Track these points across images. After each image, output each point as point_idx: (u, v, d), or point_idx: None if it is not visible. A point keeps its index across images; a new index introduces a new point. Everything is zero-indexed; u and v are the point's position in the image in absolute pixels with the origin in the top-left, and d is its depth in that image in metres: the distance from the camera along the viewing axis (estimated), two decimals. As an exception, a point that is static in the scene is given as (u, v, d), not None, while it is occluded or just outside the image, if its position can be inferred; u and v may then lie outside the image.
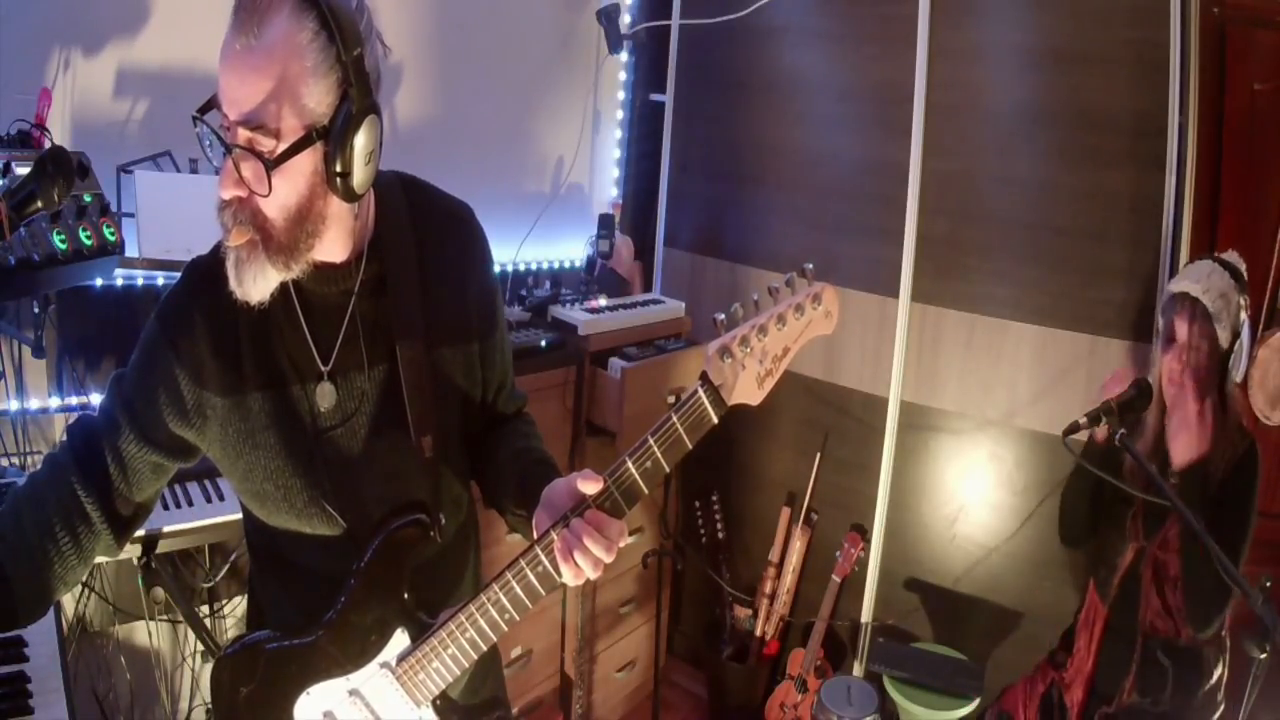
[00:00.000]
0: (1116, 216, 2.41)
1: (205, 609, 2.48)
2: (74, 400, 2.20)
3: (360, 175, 0.97)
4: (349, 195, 0.97)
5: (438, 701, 1.13)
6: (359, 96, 0.94)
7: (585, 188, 3.47)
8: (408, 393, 1.08)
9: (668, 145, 3.35)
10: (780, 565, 3.01)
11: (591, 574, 1.00)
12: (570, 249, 3.32)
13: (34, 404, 2.14)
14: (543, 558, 1.02)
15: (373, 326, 1.09)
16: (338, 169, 0.95)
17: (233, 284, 0.99)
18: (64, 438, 1.12)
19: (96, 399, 2.23)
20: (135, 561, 1.74)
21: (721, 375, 0.97)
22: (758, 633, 3.03)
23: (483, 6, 2.95)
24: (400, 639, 1.11)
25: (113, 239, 1.69)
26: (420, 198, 1.16)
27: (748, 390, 0.98)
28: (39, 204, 1.38)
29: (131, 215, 2.03)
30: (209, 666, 2.45)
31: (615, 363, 2.65)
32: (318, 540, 1.12)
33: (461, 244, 1.18)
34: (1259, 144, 2.43)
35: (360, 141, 0.95)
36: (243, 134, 0.92)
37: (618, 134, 3.45)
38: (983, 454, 2.67)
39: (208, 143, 0.95)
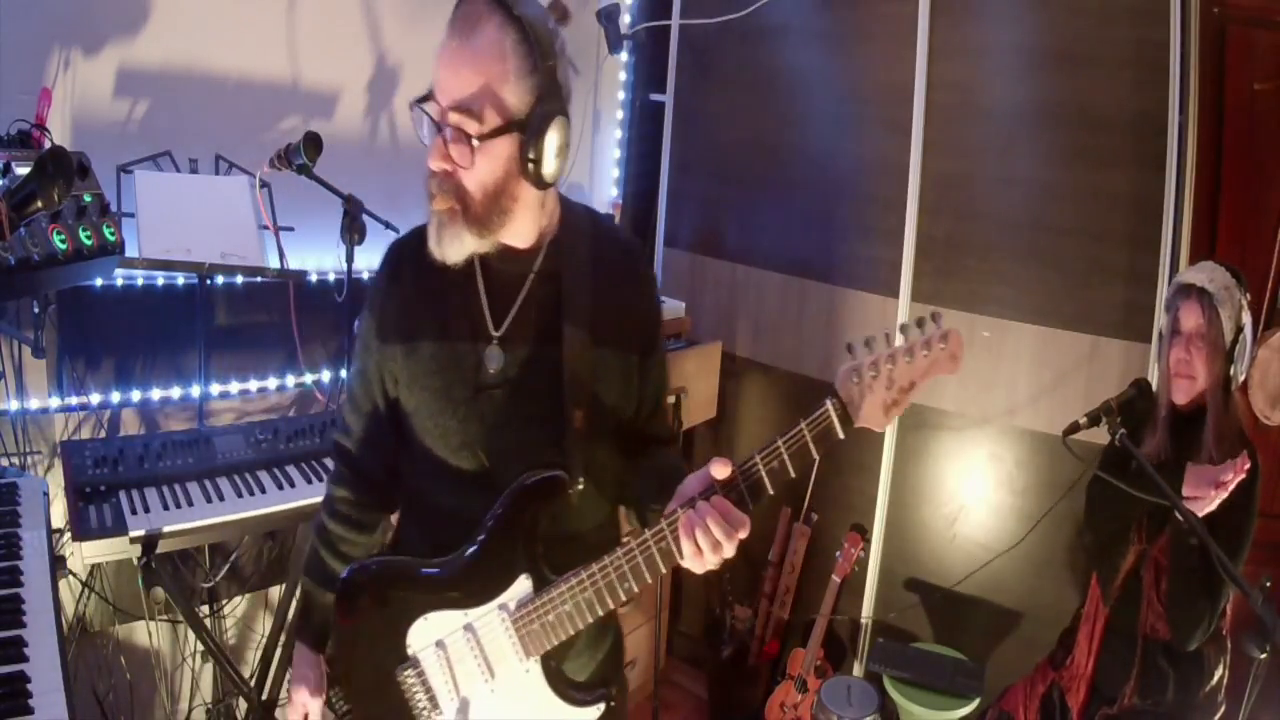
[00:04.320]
0: (1116, 216, 2.41)
1: (205, 609, 2.48)
2: (74, 400, 2.20)
3: (550, 166, 1.12)
4: (539, 182, 1.13)
5: (547, 660, 1.19)
6: (551, 102, 1.11)
7: (585, 187, 3.47)
8: (567, 368, 1.19)
9: (668, 145, 3.35)
10: (780, 565, 3.01)
11: (710, 556, 1.06)
12: (570, 249, 3.33)
13: (34, 404, 2.14)
14: (667, 533, 1.09)
15: (544, 308, 1.22)
16: (531, 156, 1.10)
17: (432, 244, 1.17)
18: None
19: (96, 399, 2.23)
20: (135, 561, 1.74)
21: (850, 394, 1.05)
22: (758, 633, 3.03)
23: (483, 6, 2.95)
24: (523, 585, 1.17)
25: (113, 239, 1.69)
26: (603, 226, 1.33)
27: (874, 414, 1.05)
28: (39, 204, 1.38)
29: (131, 215, 2.03)
30: (209, 666, 2.45)
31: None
32: (462, 482, 1.23)
33: (633, 271, 1.32)
34: (1259, 144, 2.43)
35: (552, 137, 1.11)
36: (452, 117, 1.10)
37: (618, 134, 3.45)
38: (983, 454, 2.67)
39: (423, 125, 1.15)
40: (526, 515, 1.18)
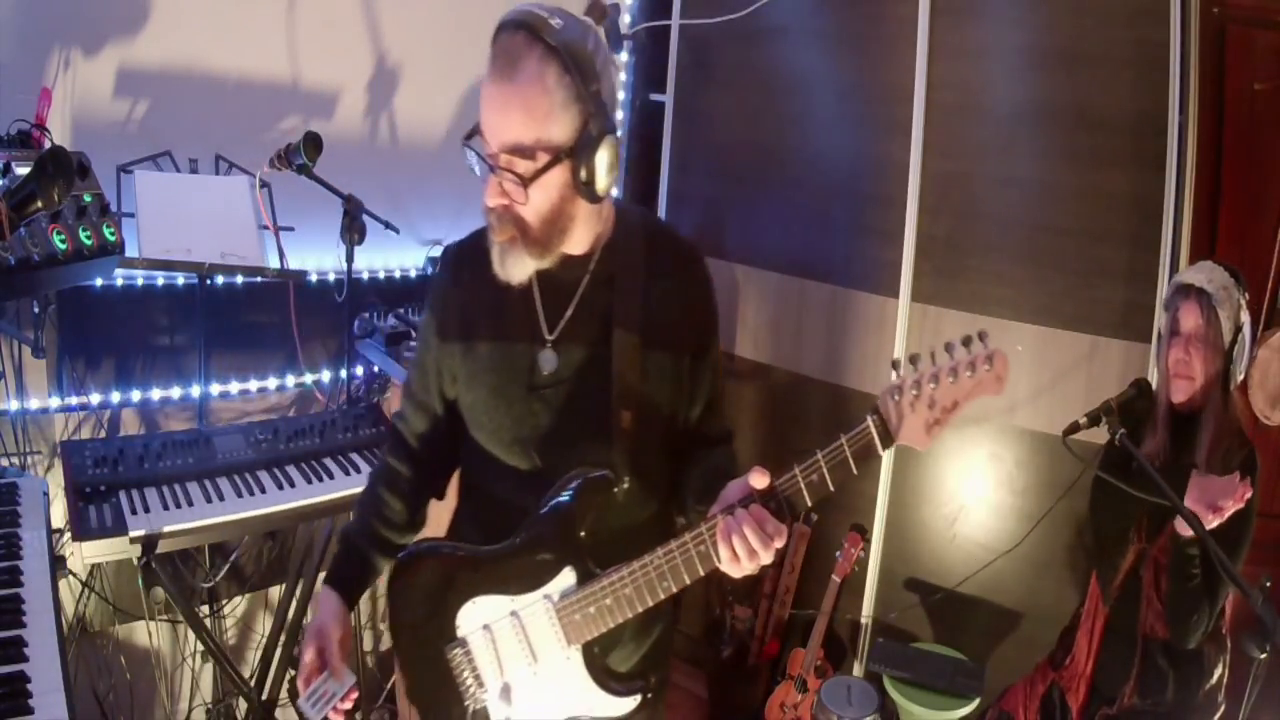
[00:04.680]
0: (1116, 216, 2.41)
1: (205, 609, 2.48)
2: (74, 400, 2.20)
3: (603, 183, 1.16)
4: (593, 199, 1.17)
5: (589, 648, 1.23)
6: (598, 122, 1.13)
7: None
8: (616, 371, 1.23)
9: (668, 145, 3.34)
10: (780, 565, 3.01)
11: (747, 563, 1.09)
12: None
13: (34, 404, 2.14)
14: (705, 537, 1.12)
15: (596, 312, 1.26)
16: (583, 179, 1.14)
17: (496, 267, 1.21)
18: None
19: (96, 399, 2.24)
20: (135, 561, 1.74)
21: (890, 412, 1.06)
22: (758, 633, 3.03)
23: (483, 6, 2.95)
24: (567, 577, 1.22)
25: (113, 239, 1.69)
26: (657, 229, 1.36)
27: (915, 433, 1.06)
28: (39, 204, 1.38)
29: (131, 215, 2.03)
30: (209, 666, 2.45)
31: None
32: (514, 476, 1.29)
33: (686, 273, 1.33)
34: (1259, 144, 2.43)
35: (601, 157, 1.14)
36: (503, 158, 1.13)
37: (618, 134, 3.44)
38: (983, 454, 2.67)
39: (475, 163, 1.18)
40: (572, 511, 1.21)
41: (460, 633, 1.28)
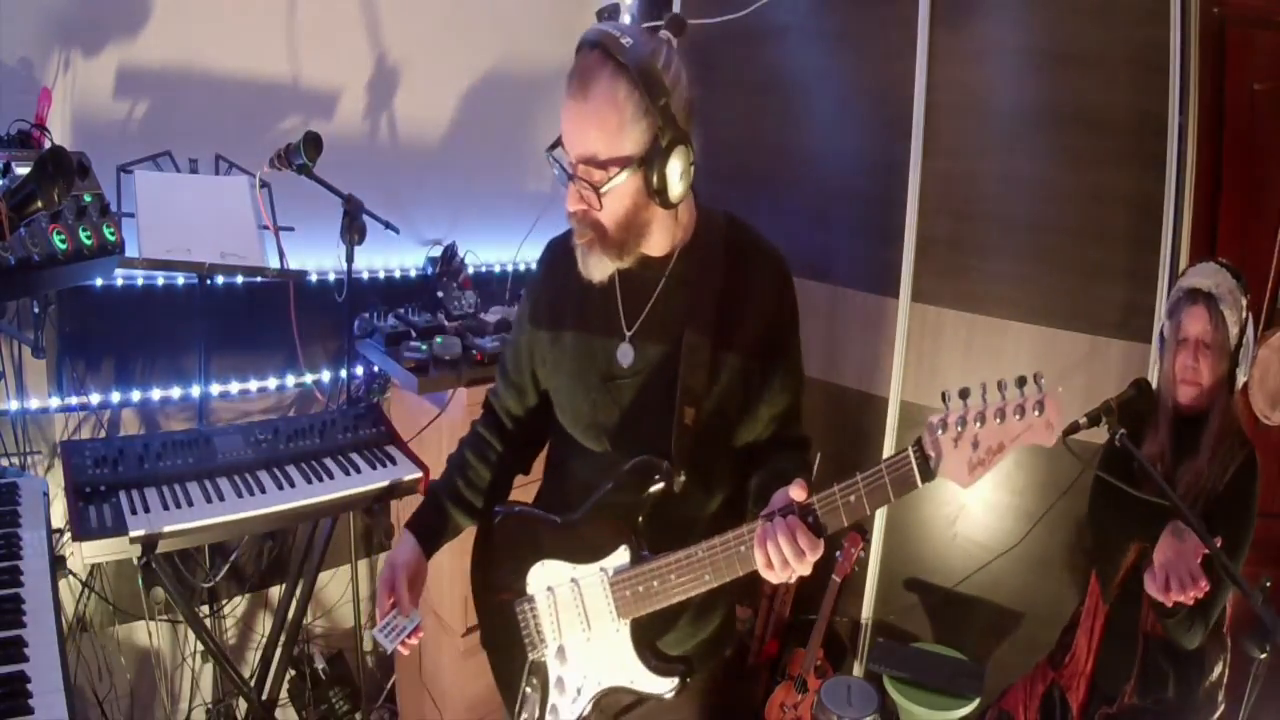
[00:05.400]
0: (1116, 216, 2.41)
1: (205, 609, 2.48)
2: (74, 400, 2.20)
3: (675, 190, 1.23)
4: (666, 205, 1.24)
5: (637, 624, 1.32)
6: (667, 133, 1.20)
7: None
8: (683, 369, 1.30)
9: (668, 145, 3.34)
10: (780, 565, 3.01)
11: (779, 570, 1.14)
12: (570, 249, 3.32)
13: (34, 404, 2.14)
14: (747, 539, 1.18)
15: (672, 311, 1.33)
16: (655, 187, 1.21)
17: (580, 267, 1.31)
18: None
19: (96, 399, 2.24)
20: (135, 561, 1.74)
21: (935, 447, 1.07)
22: (758, 633, 3.03)
23: (483, 7, 2.95)
24: (621, 555, 1.31)
25: (113, 239, 1.69)
26: (739, 232, 1.41)
27: (957, 471, 1.06)
28: (39, 204, 1.38)
29: (131, 215, 2.03)
30: (209, 666, 2.45)
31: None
32: (588, 457, 1.40)
33: (767, 277, 1.39)
34: (1259, 144, 2.43)
35: (673, 165, 1.21)
36: (580, 168, 1.23)
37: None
38: (983, 454, 2.66)
39: (557, 172, 1.26)
40: (630, 496, 1.30)
41: (529, 590, 1.41)
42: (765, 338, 1.35)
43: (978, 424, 1.03)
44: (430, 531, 1.51)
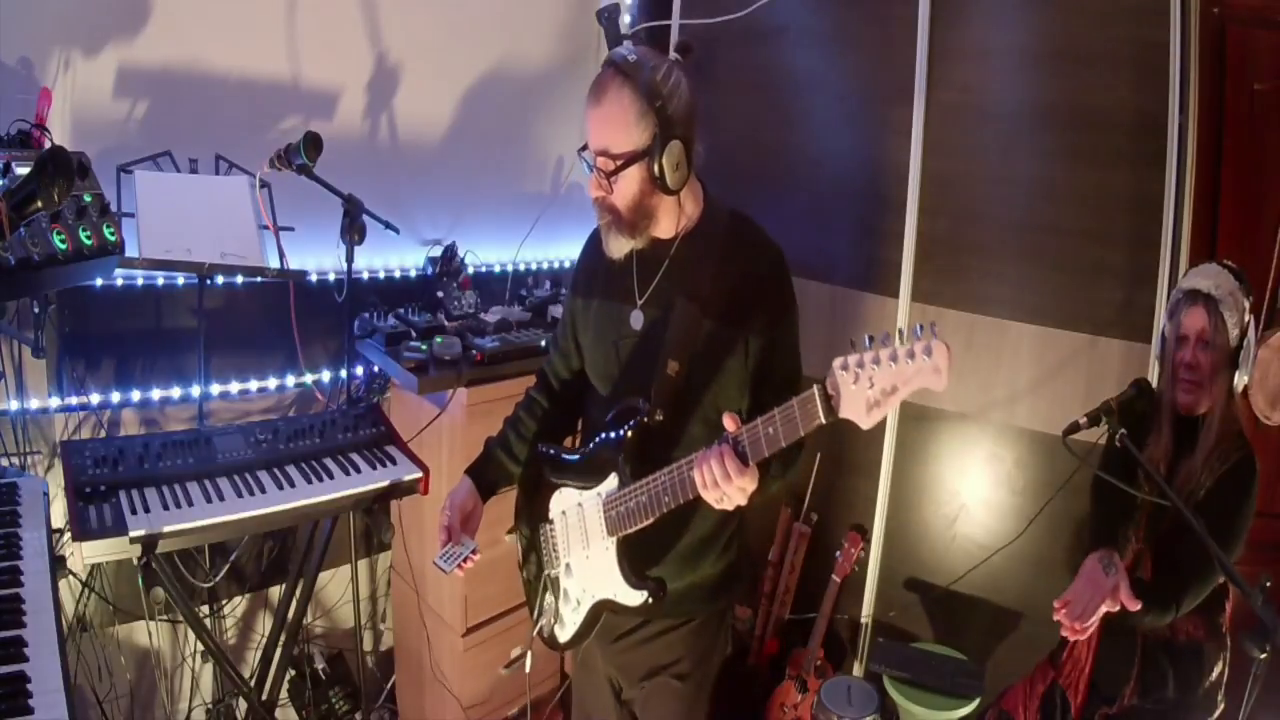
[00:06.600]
0: (1116, 216, 2.41)
1: (205, 609, 2.48)
2: (74, 400, 2.20)
3: (672, 178, 1.46)
4: (666, 191, 1.48)
5: (623, 543, 1.53)
6: (665, 132, 1.44)
7: (585, 187, 3.47)
8: (672, 329, 1.53)
9: (668, 145, 3.34)
10: (780, 565, 3.01)
11: (712, 490, 1.33)
12: (570, 249, 3.32)
13: (34, 404, 2.14)
14: (692, 463, 1.38)
15: (673, 284, 1.56)
16: (656, 175, 1.46)
17: (604, 245, 1.57)
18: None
19: (96, 399, 2.24)
20: (135, 561, 1.74)
21: (835, 386, 1.20)
22: (758, 632, 3.03)
23: (483, 7, 2.95)
24: (611, 481, 1.55)
25: (113, 239, 1.69)
26: (742, 226, 1.61)
27: (856, 409, 1.19)
28: (39, 204, 1.38)
29: (131, 215, 2.04)
30: (209, 666, 2.46)
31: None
32: (602, 400, 1.67)
33: (757, 265, 1.57)
34: (1259, 144, 2.43)
35: (668, 158, 1.45)
36: (598, 161, 1.49)
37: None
38: (982, 454, 2.67)
39: (585, 165, 1.51)
40: (617, 431, 1.54)
41: (550, 515, 1.67)
42: (756, 319, 1.54)
43: (874, 365, 1.15)
44: (485, 477, 1.77)
